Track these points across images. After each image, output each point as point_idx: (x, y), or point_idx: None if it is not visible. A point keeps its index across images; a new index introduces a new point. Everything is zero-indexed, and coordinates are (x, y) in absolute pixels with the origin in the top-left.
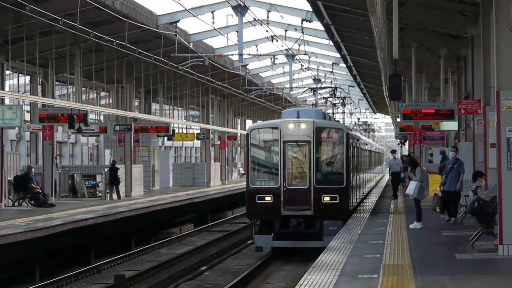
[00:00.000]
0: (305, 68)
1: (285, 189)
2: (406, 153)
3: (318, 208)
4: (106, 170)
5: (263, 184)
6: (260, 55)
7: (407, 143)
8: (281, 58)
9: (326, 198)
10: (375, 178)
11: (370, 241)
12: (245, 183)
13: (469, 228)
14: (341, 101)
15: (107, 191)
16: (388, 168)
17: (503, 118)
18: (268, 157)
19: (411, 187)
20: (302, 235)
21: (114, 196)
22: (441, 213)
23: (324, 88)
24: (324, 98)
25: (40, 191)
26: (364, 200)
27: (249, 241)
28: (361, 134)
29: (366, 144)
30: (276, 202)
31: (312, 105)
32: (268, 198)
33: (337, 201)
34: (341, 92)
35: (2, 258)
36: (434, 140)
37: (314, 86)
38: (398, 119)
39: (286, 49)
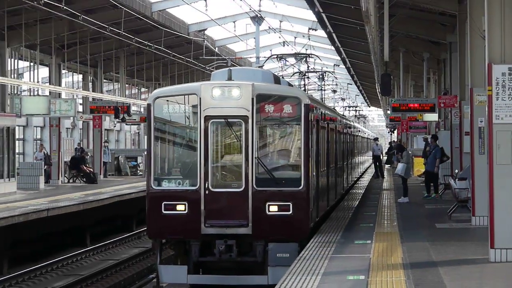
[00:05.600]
0: (311, 68)
1: (207, 192)
2: (395, 140)
3: (260, 224)
4: (145, 153)
5: (173, 184)
6: (276, 58)
7: (396, 131)
8: (291, 60)
9: (273, 208)
10: (361, 168)
11: (365, 213)
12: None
13: (447, 202)
14: (320, 75)
15: None
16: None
17: (475, 111)
18: (180, 142)
19: (399, 168)
20: (235, 265)
21: None
22: None
23: (294, 55)
24: (301, 72)
25: (92, 170)
26: (346, 196)
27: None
28: (344, 116)
29: (348, 127)
30: (194, 213)
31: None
32: (180, 207)
33: (290, 212)
34: (315, 59)
35: (59, 226)
36: (418, 129)
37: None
38: (389, 111)
39: (295, 53)
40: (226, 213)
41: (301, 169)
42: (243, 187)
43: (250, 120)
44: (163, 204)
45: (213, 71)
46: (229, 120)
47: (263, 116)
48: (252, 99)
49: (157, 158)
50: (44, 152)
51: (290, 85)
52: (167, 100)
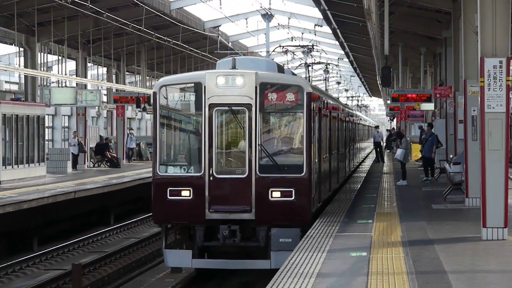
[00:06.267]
0: (317, 62)
1: (211, 179)
2: (394, 127)
3: (263, 209)
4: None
5: (178, 171)
6: (283, 52)
7: (395, 120)
8: (299, 54)
9: (276, 194)
10: (363, 154)
11: (367, 195)
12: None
13: (442, 185)
14: (325, 68)
15: None
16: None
17: (468, 101)
18: (185, 129)
19: (398, 153)
20: (239, 249)
21: None
22: None
23: (300, 46)
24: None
25: (115, 155)
26: (349, 180)
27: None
28: (347, 105)
29: (350, 115)
30: (198, 199)
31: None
32: (185, 193)
33: (293, 198)
34: (320, 53)
35: (86, 207)
36: (415, 118)
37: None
38: (388, 101)
39: (300, 44)
40: (230, 199)
41: (303, 156)
42: (247, 173)
43: (253, 108)
44: (168, 190)
45: None
46: (233, 108)
47: (267, 104)
48: (256, 87)
49: (163, 145)
50: (77, 139)
51: (293, 74)
52: (173, 88)
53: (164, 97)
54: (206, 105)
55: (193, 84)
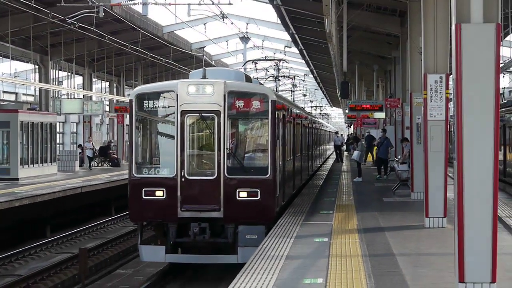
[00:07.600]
0: (286, 77)
1: (183, 180)
2: (351, 133)
3: (231, 208)
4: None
5: (152, 172)
6: (257, 69)
7: (352, 126)
8: (271, 71)
9: (242, 194)
10: (325, 155)
11: (328, 189)
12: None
13: (392, 181)
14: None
15: None
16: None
17: (414, 110)
18: (159, 134)
19: (355, 154)
20: (209, 245)
21: None
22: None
23: (267, 60)
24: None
25: (116, 156)
26: (313, 177)
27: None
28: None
29: (313, 122)
30: (171, 198)
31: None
32: (159, 193)
33: (258, 197)
34: (289, 70)
35: (90, 200)
36: (369, 125)
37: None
38: (347, 111)
39: (275, 64)
40: (200, 198)
41: (268, 158)
42: (216, 175)
43: (222, 115)
44: (143, 190)
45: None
46: (203, 114)
47: (234, 111)
48: (224, 95)
49: (138, 149)
50: (92, 144)
51: (261, 84)
52: (148, 96)
53: (140, 104)
54: (178, 112)
55: (166, 92)
